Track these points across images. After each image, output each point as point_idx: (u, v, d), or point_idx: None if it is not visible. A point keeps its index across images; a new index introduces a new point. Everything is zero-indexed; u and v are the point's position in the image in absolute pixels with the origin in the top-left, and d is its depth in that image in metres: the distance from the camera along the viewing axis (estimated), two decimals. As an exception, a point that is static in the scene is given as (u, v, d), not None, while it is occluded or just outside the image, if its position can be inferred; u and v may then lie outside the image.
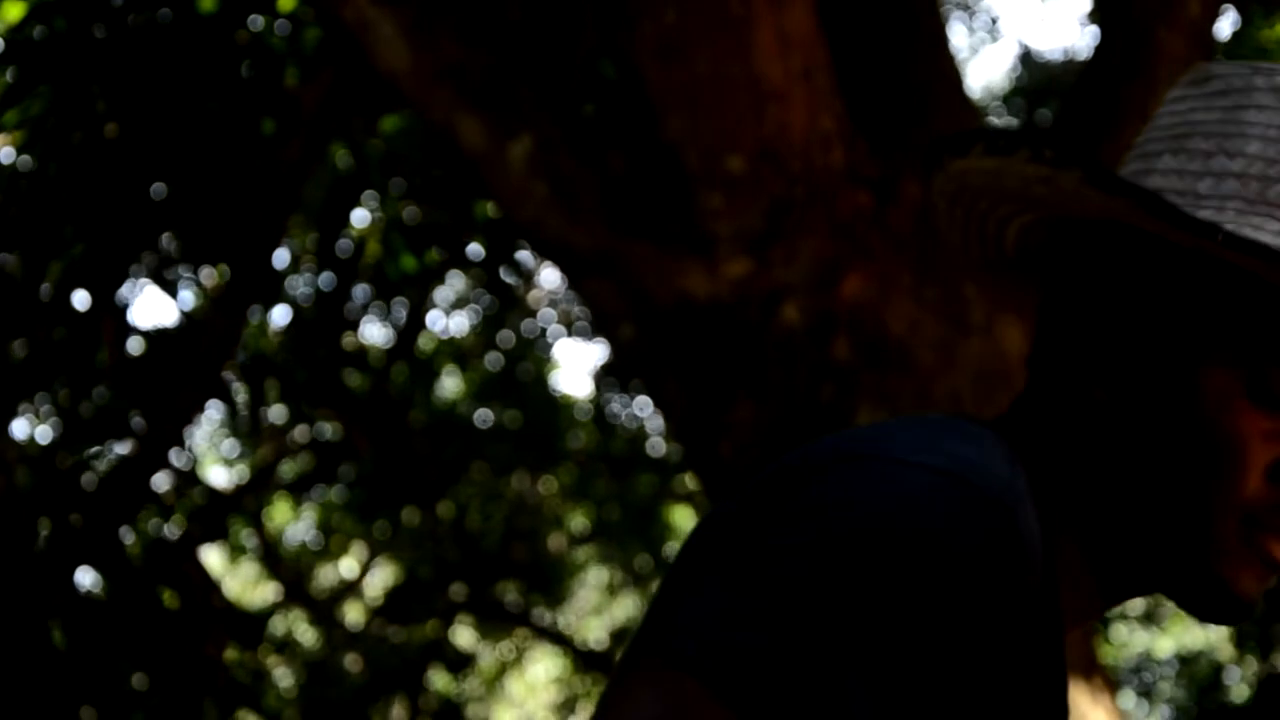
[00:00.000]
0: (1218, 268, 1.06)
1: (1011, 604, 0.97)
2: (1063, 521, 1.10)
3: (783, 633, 0.91)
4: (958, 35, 11.21)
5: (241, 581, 13.30)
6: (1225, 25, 6.91)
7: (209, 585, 5.96)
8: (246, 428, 8.32)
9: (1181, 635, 13.99)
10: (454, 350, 10.00)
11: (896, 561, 0.93)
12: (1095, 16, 7.62)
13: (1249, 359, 1.06)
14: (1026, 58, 10.13)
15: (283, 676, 10.43)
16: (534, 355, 10.71)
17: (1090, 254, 1.13)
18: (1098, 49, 4.05)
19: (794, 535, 0.95)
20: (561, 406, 11.04)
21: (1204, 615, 1.11)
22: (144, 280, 5.59)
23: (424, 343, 9.16)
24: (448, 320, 10.02)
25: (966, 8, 10.39)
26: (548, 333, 10.62)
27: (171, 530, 6.60)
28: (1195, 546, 1.07)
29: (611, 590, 13.79)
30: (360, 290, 6.84)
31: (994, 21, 13.46)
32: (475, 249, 6.45)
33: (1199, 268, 1.07)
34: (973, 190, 1.14)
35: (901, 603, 0.93)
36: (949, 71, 3.81)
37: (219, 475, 11.52)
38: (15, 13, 5.02)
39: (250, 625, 6.54)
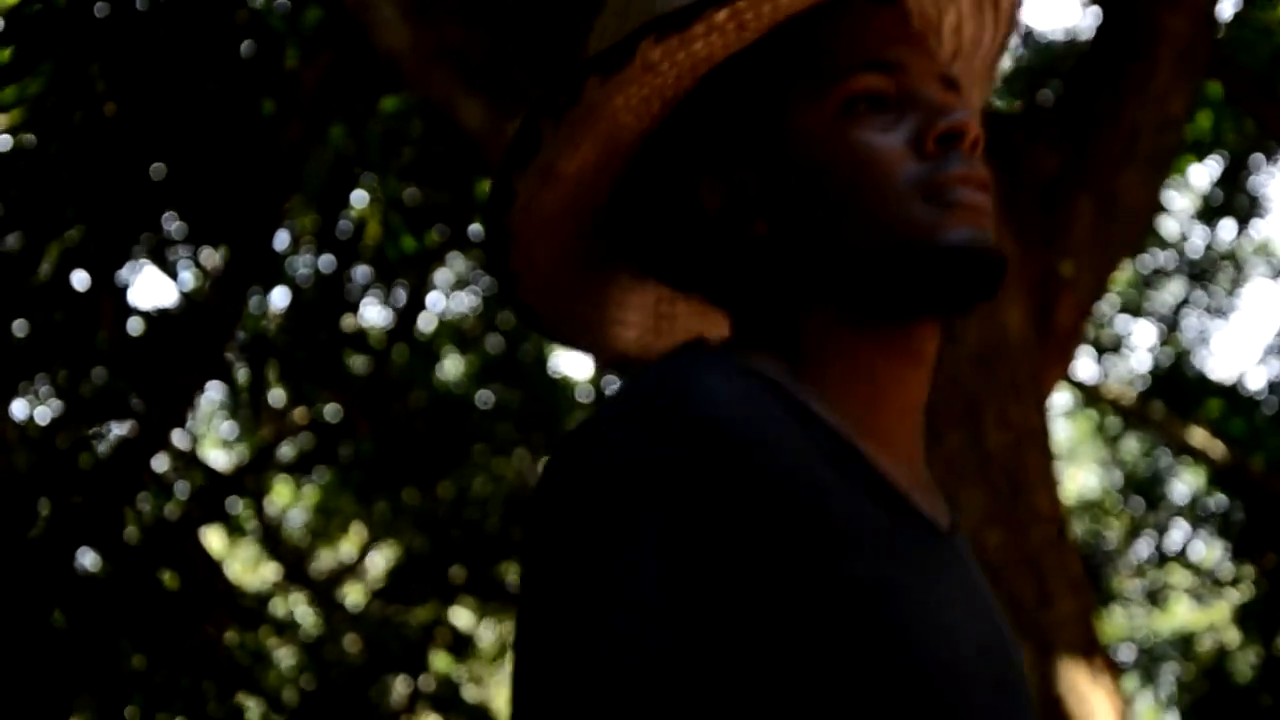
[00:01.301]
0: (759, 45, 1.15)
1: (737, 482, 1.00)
2: (818, 315, 1.15)
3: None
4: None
5: (241, 563, 13.29)
6: (1227, 6, 6.90)
7: (211, 566, 5.96)
8: (247, 409, 8.31)
9: (1184, 616, 14.00)
10: (454, 331, 9.98)
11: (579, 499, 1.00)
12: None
13: (822, 84, 1.14)
14: (1029, 38, 10.10)
15: (283, 657, 10.42)
16: (534, 336, 10.68)
17: (667, 146, 1.19)
18: (1100, 29, 4.04)
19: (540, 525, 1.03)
20: (562, 387, 11.03)
21: (962, 289, 1.12)
22: (144, 261, 5.57)
23: (424, 324, 9.15)
24: (448, 301, 10.00)
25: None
26: (548, 313, 10.57)
27: (171, 511, 6.60)
28: (910, 243, 1.11)
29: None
30: (360, 271, 6.83)
31: (995, 2, 13.35)
32: (476, 229, 6.44)
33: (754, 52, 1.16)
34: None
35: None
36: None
37: (218, 457, 11.52)
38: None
39: (250, 607, 6.54)
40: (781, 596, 0.98)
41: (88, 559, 5.80)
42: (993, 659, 1.10)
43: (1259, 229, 11.34)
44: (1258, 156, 9.55)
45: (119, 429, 5.93)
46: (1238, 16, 7.29)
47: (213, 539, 11.21)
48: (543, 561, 0.99)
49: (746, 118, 1.16)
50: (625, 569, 0.96)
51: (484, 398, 10.47)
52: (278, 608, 10.89)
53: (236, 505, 9.59)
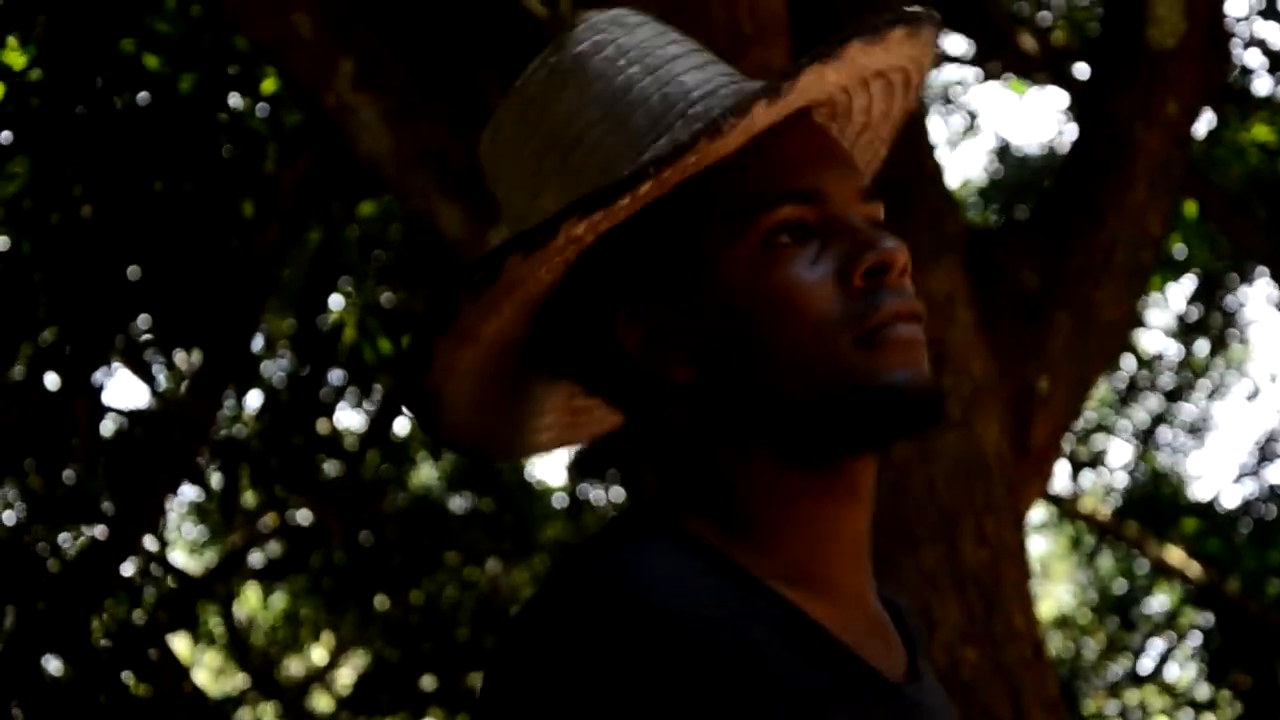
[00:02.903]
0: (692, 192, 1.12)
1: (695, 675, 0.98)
2: (752, 454, 1.12)
3: None
4: (937, 128, 11.27)
5: (208, 670, 13.14)
6: (1202, 125, 6.97)
7: (179, 672, 5.88)
8: (218, 513, 8.24)
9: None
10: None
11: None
12: (1074, 113, 7.68)
13: (742, 222, 1.11)
14: (1005, 152, 10.18)
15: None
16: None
17: (585, 295, 1.17)
18: (1076, 145, 4.06)
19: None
20: (537, 494, 10.98)
21: (899, 425, 1.10)
22: (118, 364, 5.54)
23: (399, 428, 9.11)
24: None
25: (946, 101, 10.46)
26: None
27: (138, 616, 6.52)
28: (842, 385, 1.09)
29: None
30: (336, 375, 6.80)
31: (973, 116, 13.53)
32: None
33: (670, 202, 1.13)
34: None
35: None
36: (928, 165, 3.81)
37: (188, 561, 11.41)
38: (-5, 92, 5.00)
39: (216, 715, 6.45)
40: None
41: (53, 664, 5.72)
42: None
43: (1234, 348, 11.45)
44: (1233, 275, 9.61)
45: (89, 532, 5.87)
46: (1211, 135, 7.36)
47: (180, 645, 11.08)
48: None
49: (664, 256, 1.13)
50: None
51: (458, 504, 10.42)
52: (245, 716, 10.76)
53: (205, 611, 9.50)
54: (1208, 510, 10.63)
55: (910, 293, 1.11)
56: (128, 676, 5.62)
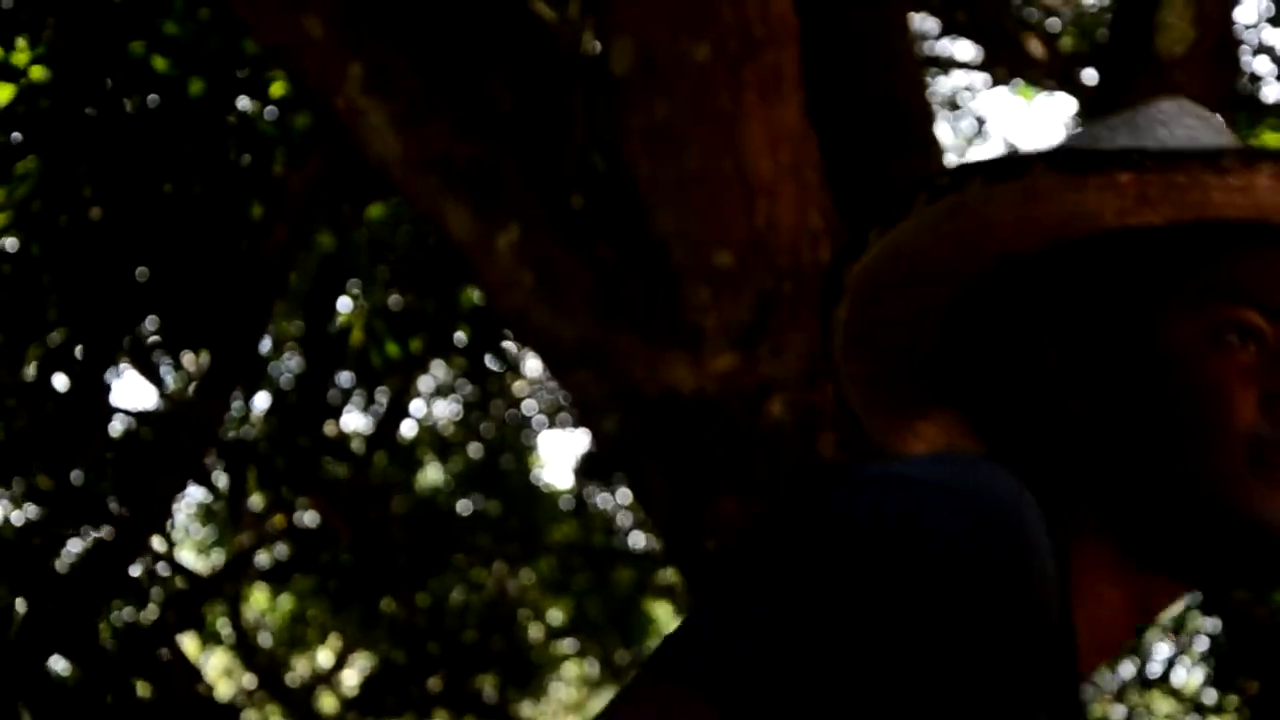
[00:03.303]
0: (1163, 232, 1.10)
1: (1022, 619, 0.93)
2: (1082, 526, 1.08)
3: (784, 640, 0.89)
4: (945, 135, 11.27)
5: (215, 670, 13.16)
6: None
7: (191, 673, 5.89)
8: (225, 514, 8.26)
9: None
10: (436, 439, 9.96)
11: (910, 573, 0.91)
12: (1083, 119, 7.68)
13: (1206, 301, 1.09)
14: (1013, 158, 10.15)
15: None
16: (517, 445, 10.66)
17: (1023, 289, 1.14)
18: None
19: (805, 541, 0.93)
20: (543, 497, 10.99)
21: (1251, 571, 1.07)
22: (126, 365, 5.55)
23: (406, 430, 9.12)
24: (430, 408, 9.98)
25: (954, 107, 10.46)
26: (531, 422, 10.58)
27: (146, 617, 6.53)
28: (1211, 496, 1.05)
29: (590, 685, 13.67)
30: (343, 377, 6.81)
31: (981, 121, 13.54)
32: (460, 336, 6.44)
33: (1141, 237, 1.10)
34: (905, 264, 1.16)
35: (913, 613, 0.90)
36: (937, 171, 3.81)
37: (195, 562, 11.43)
38: (4, 95, 5.02)
39: (222, 716, 6.46)
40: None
41: (59, 665, 5.72)
42: None
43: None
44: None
45: (96, 533, 5.88)
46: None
47: (187, 646, 11.09)
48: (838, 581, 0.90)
49: (1115, 296, 1.11)
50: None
51: (464, 506, 10.43)
52: (251, 717, 10.77)
53: (212, 612, 9.51)
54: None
55: None
56: (134, 678, 5.63)
